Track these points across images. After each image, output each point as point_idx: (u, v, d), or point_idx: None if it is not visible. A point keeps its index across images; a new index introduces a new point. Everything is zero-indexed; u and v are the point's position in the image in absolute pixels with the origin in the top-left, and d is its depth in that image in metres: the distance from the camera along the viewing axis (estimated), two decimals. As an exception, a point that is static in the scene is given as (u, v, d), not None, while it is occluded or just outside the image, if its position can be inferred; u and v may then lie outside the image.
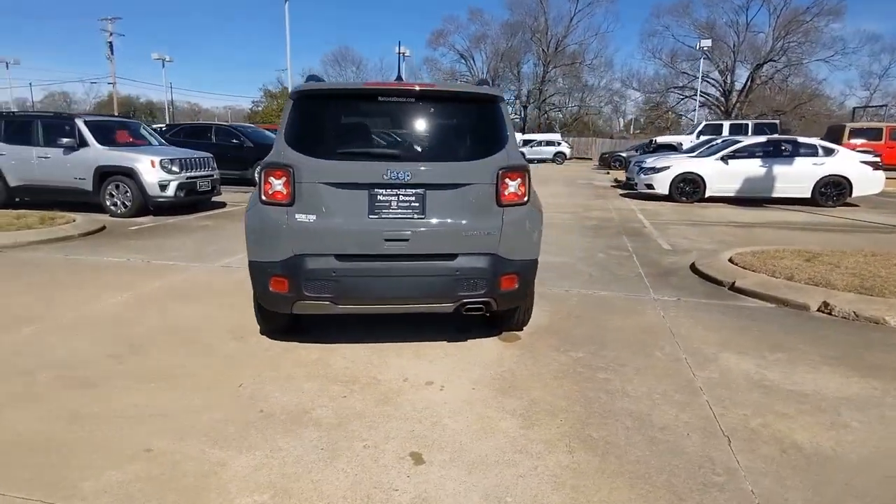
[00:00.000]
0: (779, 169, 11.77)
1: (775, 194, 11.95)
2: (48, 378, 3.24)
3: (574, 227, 9.13)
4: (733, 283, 5.31)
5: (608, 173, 24.08)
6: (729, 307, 4.78)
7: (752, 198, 12.10)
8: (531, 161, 35.66)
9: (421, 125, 3.52)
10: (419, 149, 3.45)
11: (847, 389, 3.22)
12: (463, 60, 64.99)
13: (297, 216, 3.28)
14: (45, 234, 7.47)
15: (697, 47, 33.48)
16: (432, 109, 3.49)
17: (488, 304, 3.44)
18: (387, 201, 3.28)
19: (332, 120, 3.48)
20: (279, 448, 2.56)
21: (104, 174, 9.40)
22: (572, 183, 19.18)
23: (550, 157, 35.96)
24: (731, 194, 12.14)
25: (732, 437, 2.69)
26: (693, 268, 6.03)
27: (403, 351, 3.70)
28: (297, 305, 3.35)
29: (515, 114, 66.36)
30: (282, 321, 3.77)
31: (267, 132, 16.52)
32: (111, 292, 4.96)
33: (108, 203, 9.45)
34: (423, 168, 3.29)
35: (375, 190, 3.27)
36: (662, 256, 6.83)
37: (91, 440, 2.60)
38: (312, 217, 3.27)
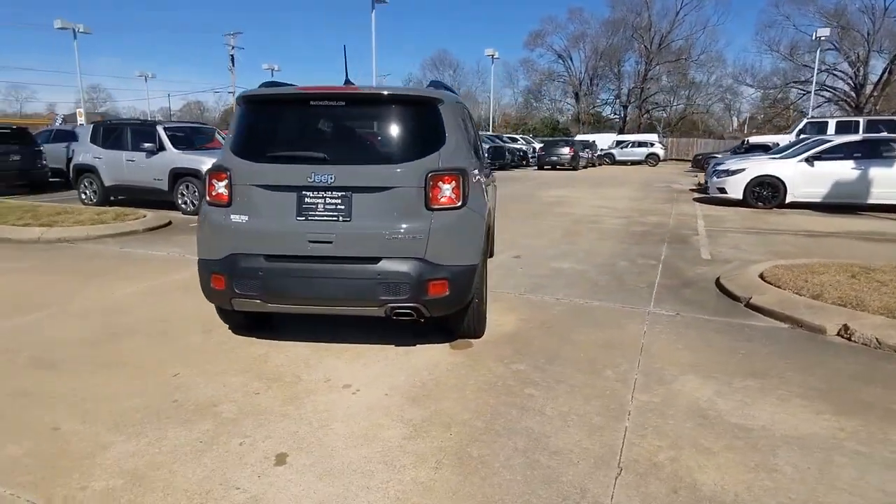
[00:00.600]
0: (876, 171, 10.31)
1: (871, 200, 10.47)
2: (24, 358, 3.63)
3: (617, 233, 8.63)
4: (749, 299, 4.76)
5: (697, 176, 22.45)
6: (731, 326, 4.28)
7: (843, 204, 10.71)
8: (623, 163, 34.32)
9: (350, 128, 3.53)
10: (346, 152, 3.46)
11: (806, 427, 2.77)
12: (560, 61, 63.73)
13: (232, 217, 3.42)
14: (114, 228, 8.36)
15: (814, 37, 30.09)
16: (362, 112, 3.49)
17: (417, 310, 3.36)
18: (314, 204, 3.32)
19: (266, 124, 3.58)
20: (165, 437, 2.68)
21: (177, 175, 10.34)
22: (648, 186, 18.10)
23: (642, 158, 34.21)
24: (818, 200, 10.82)
25: (626, 469, 2.42)
26: (717, 281, 5.48)
27: (346, 352, 3.72)
28: (234, 302, 3.49)
29: (615, 114, 63.97)
30: (238, 318, 3.94)
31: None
32: (131, 283, 5.45)
33: (179, 202, 10.37)
34: (347, 171, 3.29)
35: (303, 192, 3.32)
36: (693, 267, 6.26)
37: (17, 415, 2.89)
38: (245, 218, 3.40)
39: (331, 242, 3.29)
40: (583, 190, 16.27)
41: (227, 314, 3.98)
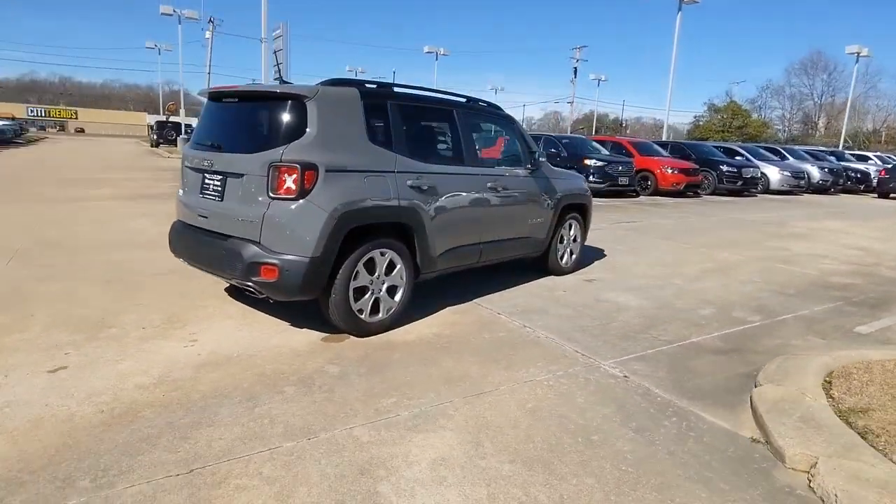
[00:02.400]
0: None
1: None
2: (115, 275, 5.25)
3: (796, 279, 6.35)
4: (757, 386, 3.21)
5: None
6: (660, 410, 3.04)
7: None
8: None
9: (234, 121, 3.89)
10: (227, 141, 3.83)
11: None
12: None
13: (179, 191, 4.27)
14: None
15: None
16: (246, 107, 3.83)
17: (255, 289, 3.60)
18: (208, 185, 3.88)
19: (202, 117, 4.24)
20: (52, 337, 3.64)
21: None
22: None
23: None
24: None
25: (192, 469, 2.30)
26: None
27: (253, 318, 4.15)
28: (177, 259, 4.35)
29: None
30: None
31: (594, 144, 16.76)
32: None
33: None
34: (222, 158, 3.73)
35: (204, 174, 3.91)
36: (799, 337, 4.35)
37: (35, 301, 4.33)
38: (181, 192, 4.20)
39: (207, 218, 3.81)
40: (873, 227, 11.94)
41: None
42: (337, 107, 3.71)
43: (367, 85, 4.01)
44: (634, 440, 2.72)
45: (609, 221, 10.53)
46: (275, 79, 28.61)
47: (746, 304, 5.21)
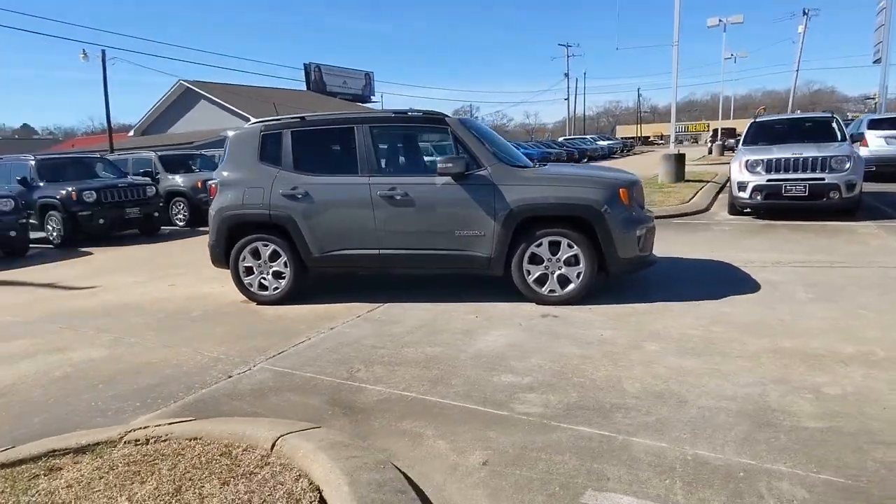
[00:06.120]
0: None
1: None
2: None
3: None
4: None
5: None
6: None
7: None
8: None
9: None
10: None
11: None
12: None
13: None
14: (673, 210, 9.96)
15: None
16: None
17: (215, 259, 5.67)
18: None
19: None
20: (186, 278, 6.93)
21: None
22: None
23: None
24: None
25: None
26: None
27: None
28: None
29: None
30: None
31: None
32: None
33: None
34: None
35: None
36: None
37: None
38: None
39: None
40: None
41: None
42: (240, 140, 5.24)
43: (281, 120, 5.20)
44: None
45: None
46: (874, 61, 25.23)
47: (627, 399, 2.90)
